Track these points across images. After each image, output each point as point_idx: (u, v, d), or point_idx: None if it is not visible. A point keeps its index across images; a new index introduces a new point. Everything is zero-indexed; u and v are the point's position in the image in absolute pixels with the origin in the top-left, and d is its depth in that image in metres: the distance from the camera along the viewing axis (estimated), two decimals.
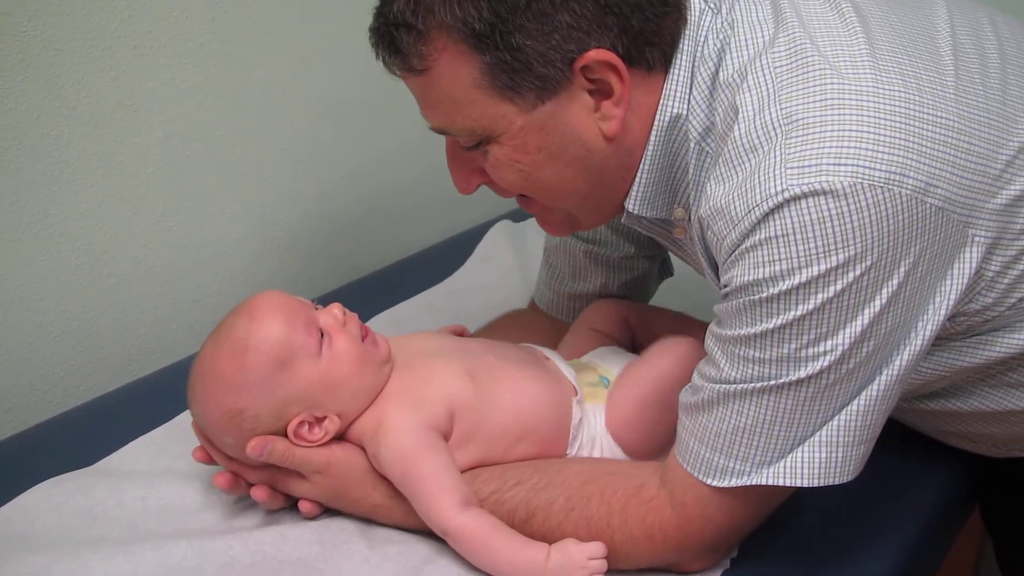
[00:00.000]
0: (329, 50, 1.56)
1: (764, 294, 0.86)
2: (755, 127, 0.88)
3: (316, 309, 1.05)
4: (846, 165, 0.83)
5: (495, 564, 0.97)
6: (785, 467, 0.90)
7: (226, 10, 1.40)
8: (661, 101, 0.95)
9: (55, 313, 1.32)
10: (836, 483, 0.90)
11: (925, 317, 0.88)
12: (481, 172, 1.01)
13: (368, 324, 1.41)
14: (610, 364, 1.15)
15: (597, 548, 0.95)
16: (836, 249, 0.83)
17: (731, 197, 0.87)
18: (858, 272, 0.84)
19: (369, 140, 1.68)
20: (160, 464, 1.14)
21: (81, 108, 1.27)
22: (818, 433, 0.89)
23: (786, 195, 0.83)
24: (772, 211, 0.84)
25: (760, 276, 0.85)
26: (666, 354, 1.08)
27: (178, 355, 1.41)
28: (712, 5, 0.96)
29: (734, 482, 0.91)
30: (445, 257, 1.67)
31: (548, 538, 0.99)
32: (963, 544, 1.28)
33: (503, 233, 1.74)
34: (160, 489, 1.10)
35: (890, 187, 0.83)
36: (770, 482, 0.90)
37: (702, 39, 0.94)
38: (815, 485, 0.90)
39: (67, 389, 1.35)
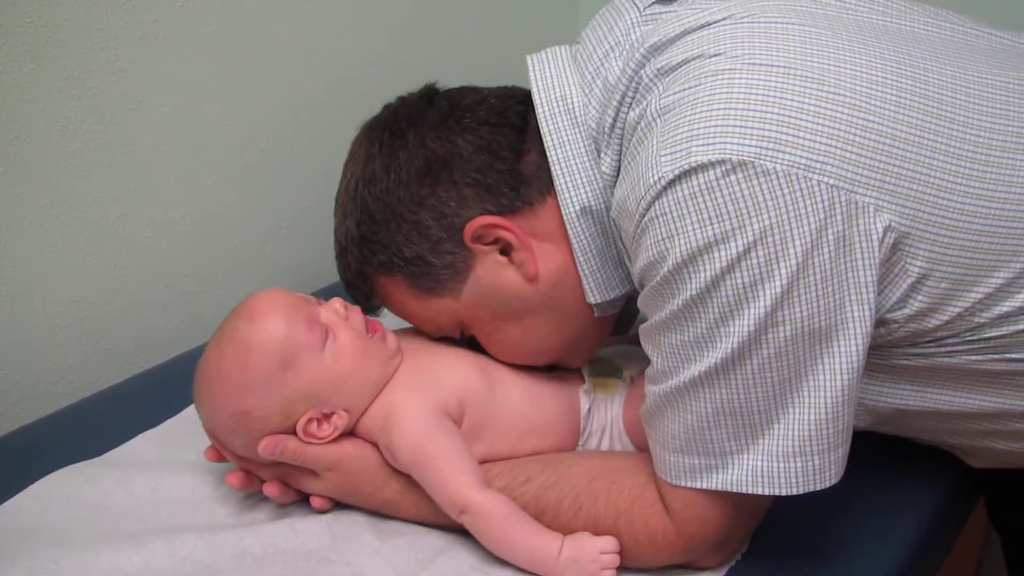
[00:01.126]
0: (334, 40, 1.56)
1: (659, 276, 0.87)
2: (639, 122, 0.92)
3: (318, 304, 1.05)
4: (713, 144, 0.83)
5: (510, 546, 0.97)
6: (763, 476, 0.89)
7: (231, 0, 1.40)
8: (563, 212, 0.99)
9: (62, 305, 1.31)
10: (819, 488, 0.89)
11: (852, 307, 0.85)
12: None
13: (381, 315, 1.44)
14: (625, 357, 1.15)
15: (610, 543, 0.95)
16: (711, 223, 0.83)
17: (627, 194, 0.90)
18: (740, 247, 0.83)
19: None
20: (170, 456, 1.14)
21: (87, 99, 1.26)
22: (790, 443, 0.88)
23: (663, 183, 0.85)
24: (656, 198, 0.85)
25: (650, 258, 0.87)
26: None
27: (186, 346, 1.41)
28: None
29: (712, 482, 0.91)
30: None
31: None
32: (967, 536, 1.28)
33: None
34: (170, 481, 1.10)
35: (762, 162, 0.82)
36: (751, 491, 0.90)
37: (571, 120, 0.98)
38: (797, 493, 0.89)
39: (74, 381, 1.35)
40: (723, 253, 0.83)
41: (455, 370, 1.06)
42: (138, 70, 1.31)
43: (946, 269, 0.87)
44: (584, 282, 1.02)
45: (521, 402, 1.06)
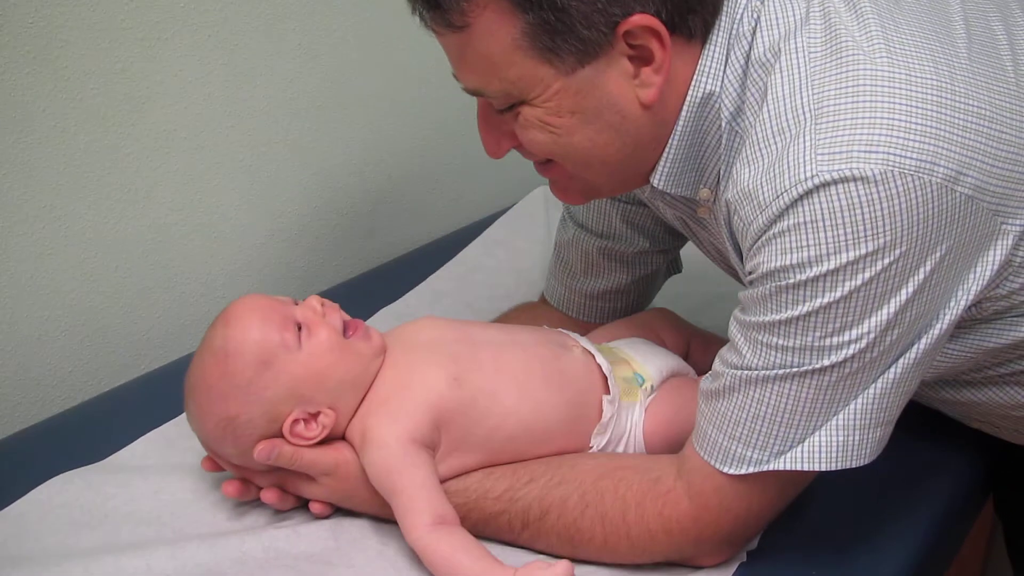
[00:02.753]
0: (336, 41, 1.55)
1: (791, 280, 0.85)
2: (786, 111, 0.87)
3: (294, 304, 1.04)
4: (877, 152, 0.82)
5: None
6: (802, 452, 0.89)
7: (233, 1, 1.39)
8: (696, 75, 0.93)
9: (63, 307, 1.31)
10: (853, 466, 0.89)
11: (949, 306, 0.88)
12: (512, 136, 0.99)
13: (379, 315, 1.43)
14: (643, 358, 1.13)
15: (564, 569, 0.92)
16: (866, 237, 0.82)
17: (759, 181, 0.87)
18: (887, 261, 0.83)
19: (377, 132, 1.67)
20: (171, 460, 1.14)
21: (88, 100, 1.26)
22: (835, 417, 0.88)
23: (816, 181, 0.82)
24: (801, 197, 0.83)
25: (788, 263, 0.85)
26: None
27: (187, 349, 1.40)
28: None
29: (750, 469, 0.91)
30: (453, 250, 1.66)
31: (563, 535, 0.98)
32: (972, 535, 1.28)
33: (497, 231, 1.73)
34: (172, 485, 1.10)
35: (920, 175, 0.82)
36: (787, 467, 0.89)
37: (738, 15, 0.92)
38: (832, 469, 0.89)
39: (75, 384, 1.34)
40: (869, 268, 0.83)
41: (430, 386, 1.02)
42: (139, 72, 1.30)
43: None
44: (662, 160, 0.97)
45: (514, 409, 1.04)
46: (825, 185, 0.82)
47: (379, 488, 1.00)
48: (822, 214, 0.83)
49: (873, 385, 0.88)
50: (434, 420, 1.01)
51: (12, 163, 1.21)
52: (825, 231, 0.83)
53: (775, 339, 0.87)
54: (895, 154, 0.82)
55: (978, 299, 0.89)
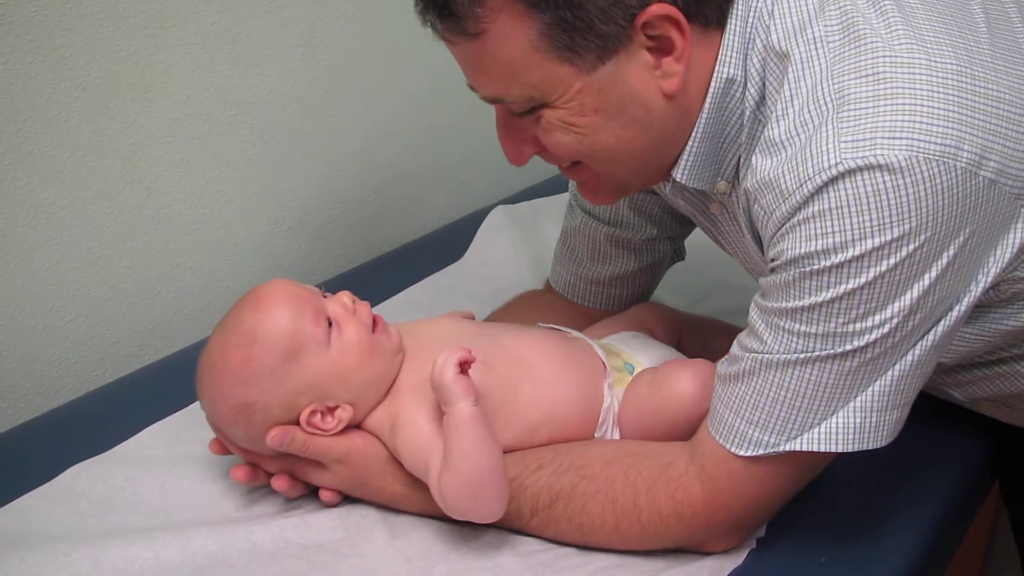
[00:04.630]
0: (339, 31, 1.55)
1: (815, 267, 0.85)
2: (807, 102, 0.87)
3: (324, 296, 1.03)
4: (901, 139, 0.82)
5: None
6: (819, 434, 0.89)
7: None
8: (717, 63, 0.91)
9: (67, 297, 1.31)
10: (871, 448, 0.89)
11: (969, 288, 0.88)
12: (534, 141, 0.97)
13: (383, 306, 1.43)
14: (634, 350, 1.14)
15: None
16: (892, 223, 0.82)
17: (781, 170, 0.86)
18: (912, 247, 0.83)
19: (380, 121, 1.67)
20: (178, 450, 1.13)
21: (91, 89, 1.25)
22: (853, 400, 0.88)
23: (840, 168, 0.82)
24: (826, 184, 0.83)
25: (812, 249, 0.84)
26: (697, 380, 1.04)
27: (191, 339, 1.40)
28: None
29: (766, 451, 0.91)
30: (456, 238, 1.66)
31: (573, 522, 0.98)
32: (975, 522, 1.28)
33: (501, 218, 1.72)
34: (179, 475, 1.09)
35: (945, 160, 0.81)
36: (803, 448, 0.89)
37: (753, 2, 0.91)
38: (849, 451, 0.89)
39: (80, 375, 1.34)
40: (893, 255, 0.83)
41: None
42: (142, 61, 1.30)
43: None
44: (685, 152, 0.96)
45: (535, 396, 1.05)
46: (850, 172, 0.82)
47: (415, 469, 0.99)
48: (847, 201, 0.82)
49: (892, 368, 0.88)
50: None
51: (15, 153, 1.20)
52: (851, 217, 0.82)
53: (797, 325, 0.87)
54: (919, 140, 0.82)
55: (996, 281, 0.89)
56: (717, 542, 0.98)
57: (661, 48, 0.89)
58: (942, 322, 0.88)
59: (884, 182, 0.81)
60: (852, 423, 0.89)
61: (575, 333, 1.14)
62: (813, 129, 0.85)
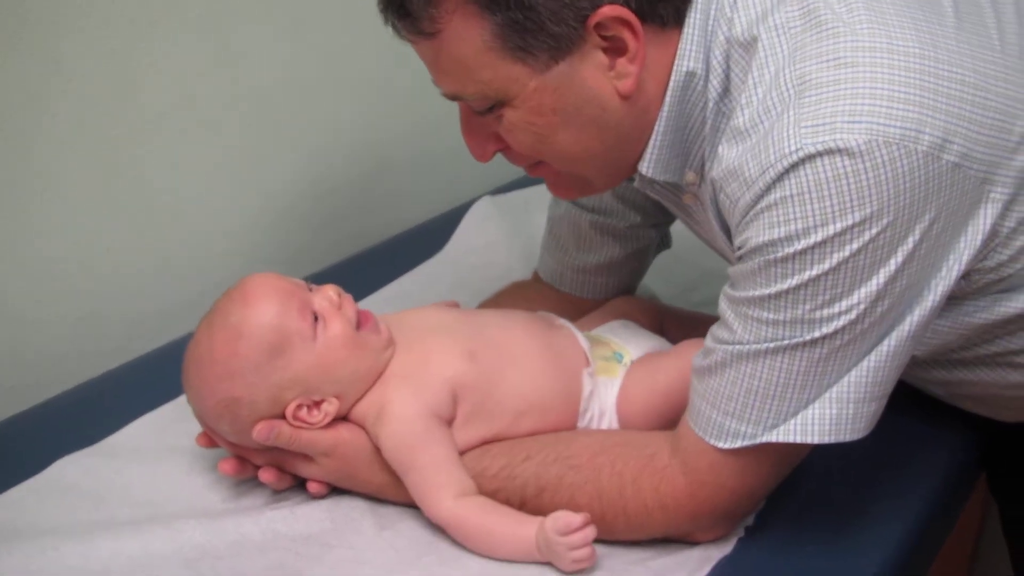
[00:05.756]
0: (327, 23, 1.55)
1: (779, 254, 0.85)
2: (770, 89, 0.87)
3: (310, 290, 1.03)
4: (860, 123, 0.82)
5: (491, 547, 0.97)
6: (796, 425, 0.89)
7: None
8: (676, 59, 0.92)
9: (55, 290, 1.31)
10: (848, 440, 0.89)
11: (939, 276, 0.88)
12: (497, 138, 0.99)
13: (372, 297, 1.43)
14: (623, 339, 1.14)
15: (566, 523, 0.93)
16: (852, 208, 0.82)
17: (745, 158, 0.87)
18: (875, 231, 0.83)
19: (367, 113, 1.67)
20: (166, 442, 1.13)
21: (77, 82, 1.25)
22: (829, 390, 0.89)
23: (801, 154, 0.82)
24: (787, 171, 0.83)
25: (775, 236, 0.85)
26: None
27: (179, 331, 1.39)
28: None
29: (744, 443, 0.91)
30: (445, 230, 1.66)
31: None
32: (964, 513, 1.28)
33: (488, 208, 1.72)
34: (167, 467, 1.10)
35: (906, 144, 0.82)
36: (781, 439, 0.89)
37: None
38: (826, 442, 0.89)
39: (68, 367, 1.34)
40: (856, 239, 0.83)
41: (447, 360, 1.04)
42: (129, 54, 1.30)
43: None
44: (649, 146, 0.96)
45: (519, 384, 1.05)
46: (810, 157, 0.82)
47: (395, 463, 1.00)
48: (808, 186, 0.83)
49: (867, 358, 0.88)
50: (452, 393, 1.02)
51: (1, 146, 1.20)
52: (812, 203, 0.83)
53: (765, 313, 0.87)
54: (879, 123, 0.82)
55: (967, 270, 0.89)
56: (704, 532, 0.98)
57: (615, 49, 0.90)
58: (916, 311, 0.88)
59: (844, 166, 0.82)
60: (828, 414, 0.89)
61: (561, 321, 1.15)
62: (776, 116, 0.86)
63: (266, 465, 1.04)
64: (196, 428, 1.06)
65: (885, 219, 0.83)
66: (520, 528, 0.96)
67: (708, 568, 0.96)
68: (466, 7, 0.89)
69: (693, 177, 0.99)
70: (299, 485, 1.06)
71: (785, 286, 0.86)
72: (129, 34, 1.29)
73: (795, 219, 0.84)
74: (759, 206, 0.86)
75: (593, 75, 0.92)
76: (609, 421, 1.09)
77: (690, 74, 0.92)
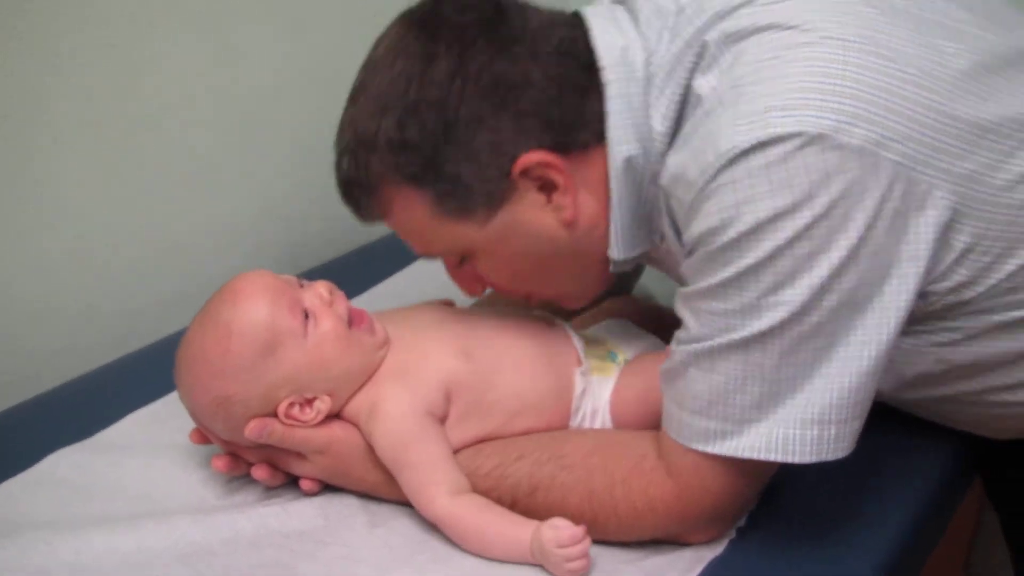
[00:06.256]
0: (326, 20, 1.55)
1: (717, 243, 0.86)
2: (712, 97, 0.90)
3: (301, 287, 1.04)
4: (793, 115, 0.83)
5: (484, 547, 0.97)
6: (778, 442, 0.89)
7: None
8: (610, 157, 0.96)
9: (49, 284, 1.30)
10: (831, 459, 0.89)
11: (894, 282, 0.87)
12: (481, 279, 1.07)
13: (368, 294, 1.43)
14: (618, 339, 1.14)
15: (569, 534, 0.94)
16: (781, 194, 0.83)
17: (688, 163, 0.88)
18: (807, 219, 0.83)
19: None
20: (159, 438, 1.14)
21: (75, 78, 1.25)
22: (812, 410, 0.88)
23: (736, 151, 0.84)
24: (723, 167, 0.85)
25: (711, 224, 0.86)
26: None
27: (175, 326, 1.39)
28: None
29: (724, 448, 0.90)
30: None
31: (553, 511, 0.98)
32: (958, 519, 1.28)
33: None
34: (161, 462, 1.10)
35: (838, 136, 0.82)
36: (762, 457, 0.89)
37: (629, 72, 0.95)
38: (809, 462, 0.89)
39: (64, 361, 1.34)
40: (788, 224, 0.83)
41: (441, 359, 1.04)
42: (127, 48, 1.30)
43: (988, 243, 0.88)
44: (613, 236, 1.00)
45: (513, 382, 1.06)
46: (744, 153, 0.83)
47: (388, 460, 1.00)
48: (740, 176, 0.84)
49: (847, 377, 0.87)
50: (447, 392, 1.02)
51: None
52: (743, 191, 0.84)
53: (715, 303, 0.88)
54: (811, 115, 0.83)
55: (925, 288, 0.89)
56: (695, 534, 0.98)
57: (547, 186, 0.96)
58: (879, 323, 0.87)
59: (776, 155, 0.83)
60: (810, 435, 0.88)
61: (556, 320, 1.15)
62: (715, 118, 0.88)
63: (259, 462, 1.04)
64: (190, 424, 1.06)
65: (817, 208, 0.83)
66: (515, 530, 0.96)
67: (700, 568, 0.97)
68: (401, 189, 0.97)
69: (659, 240, 1.02)
70: (292, 482, 1.06)
71: (728, 274, 0.86)
72: (128, 32, 1.29)
73: (728, 207, 0.85)
74: (698, 200, 0.87)
75: (533, 214, 0.98)
76: (602, 420, 1.09)
77: (628, 160, 0.96)
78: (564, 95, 0.95)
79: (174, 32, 1.34)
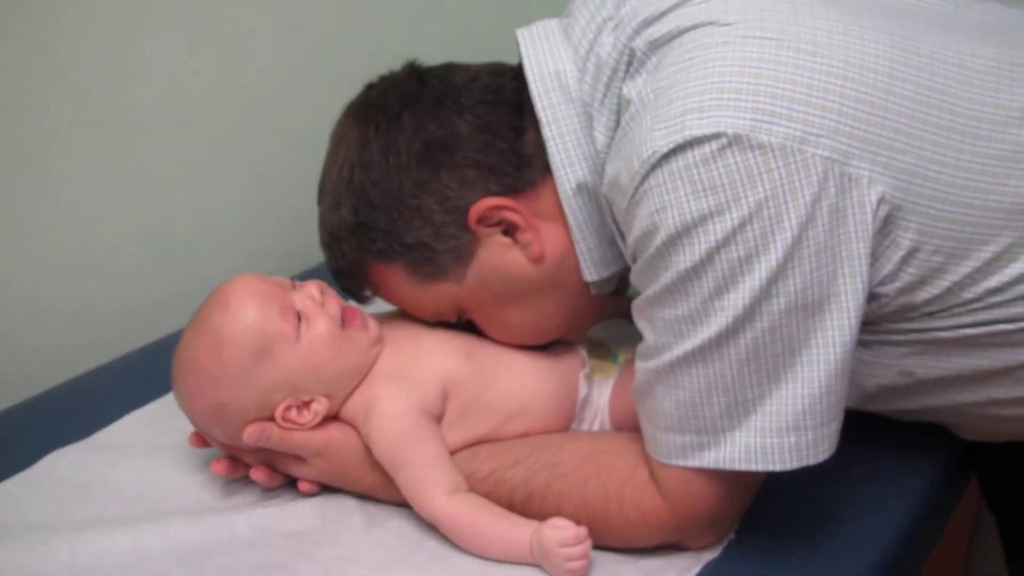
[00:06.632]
0: (323, 15, 1.54)
1: (652, 248, 0.86)
2: (638, 101, 0.91)
3: (293, 288, 1.03)
4: (709, 117, 0.83)
5: (483, 547, 0.97)
6: (757, 452, 0.88)
7: None
8: (559, 187, 0.98)
9: (47, 284, 1.30)
10: (812, 463, 0.89)
11: (845, 280, 0.85)
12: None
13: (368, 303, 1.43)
14: (619, 339, 1.14)
15: (571, 535, 0.93)
16: (704, 195, 0.83)
17: (621, 169, 0.89)
18: (735, 221, 0.83)
19: None
20: (157, 438, 1.14)
21: (71, 75, 1.25)
22: (784, 417, 0.87)
23: (656, 156, 0.84)
24: (648, 174, 0.85)
25: (644, 229, 0.86)
26: None
27: (173, 327, 1.39)
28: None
29: (705, 460, 0.90)
30: None
31: (548, 518, 0.98)
32: (956, 521, 1.28)
33: None
34: (158, 463, 1.10)
35: (756, 135, 0.82)
36: (743, 467, 0.89)
37: (564, 96, 0.97)
38: (790, 468, 0.89)
39: (61, 362, 1.34)
40: (717, 226, 0.83)
41: (439, 358, 1.04)
42: (123, 45, 1.29)
43: (937, 242, 0.87)
44: (581, 260, 1.01)
45: (512, 384, 1.05)
46: (664, 157, 0.84)
47: (384, 460, 1.00)
48: (663, 181, 0.84)
49: (815, 382, 0.87)
50: (443, 392, 1.02)
51: None
52: (665, 194, 0.84)
53: (666, 310, 0.88)
54: (727, 116, 0.82)
55: (876, 283, 0.88)
56: (693, 541, 0.98)
57: (508, 228, 0.99)
58: (835, 324, 0.86)
59: (695, 158, 0.83)
60: (787, 443, 0.88)
61: None
62: (637, 124, 0.88)
63: (258, 464, 1.04)
64: (187, 424, 1.06)
65: (745, 209, 0.82)
66: (513, 530, 0.96)
67: (698, 568, 0.96)
68: (376, 267, 1.03)
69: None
70: (290, 483, 1.06)
71: (668, 279, 0.86)
72: (123, 26, 1.29)
73: (655, 211, 0.85)
74: (632, 206, 0.88)
75: (502, 256, 1.01)
76: (601, 422, 1.09)
77: (580, 185, 0.97)
78: (497, 139, 0.98)
79: (169, 29, 1.34)
